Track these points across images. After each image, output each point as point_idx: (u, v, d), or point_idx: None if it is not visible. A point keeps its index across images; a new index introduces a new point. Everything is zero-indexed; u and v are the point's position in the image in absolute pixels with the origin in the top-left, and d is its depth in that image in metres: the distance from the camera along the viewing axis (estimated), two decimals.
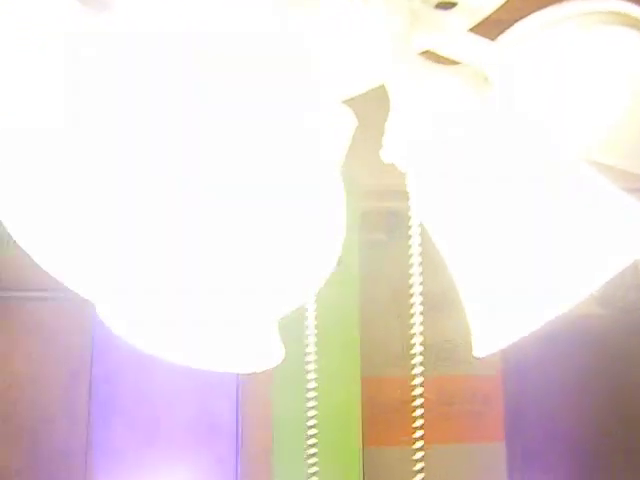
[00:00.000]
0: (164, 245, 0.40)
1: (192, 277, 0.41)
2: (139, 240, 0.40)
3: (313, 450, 0.68)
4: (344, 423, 2.15)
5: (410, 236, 0.61)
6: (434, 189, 0.55)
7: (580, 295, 0.50)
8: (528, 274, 0.52)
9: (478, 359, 0.61)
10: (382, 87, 0.60)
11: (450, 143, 0.53)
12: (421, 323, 0.64)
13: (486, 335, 0.55)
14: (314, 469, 0.68)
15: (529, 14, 0.70)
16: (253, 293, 0.43)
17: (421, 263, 0.63)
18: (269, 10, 0.43)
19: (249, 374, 0.53)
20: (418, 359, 0.67)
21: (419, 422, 0.66)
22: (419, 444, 0.66)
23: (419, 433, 0.66)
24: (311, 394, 0.68)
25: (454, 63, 0.65)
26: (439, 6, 0.67)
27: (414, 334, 0.64)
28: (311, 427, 0.68)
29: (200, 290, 0.42)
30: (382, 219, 2.23)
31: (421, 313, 0.64)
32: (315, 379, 0.68)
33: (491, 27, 0.72)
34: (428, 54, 0.63)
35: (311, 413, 0.68)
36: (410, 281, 0.64)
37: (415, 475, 0.66)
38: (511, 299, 0.53)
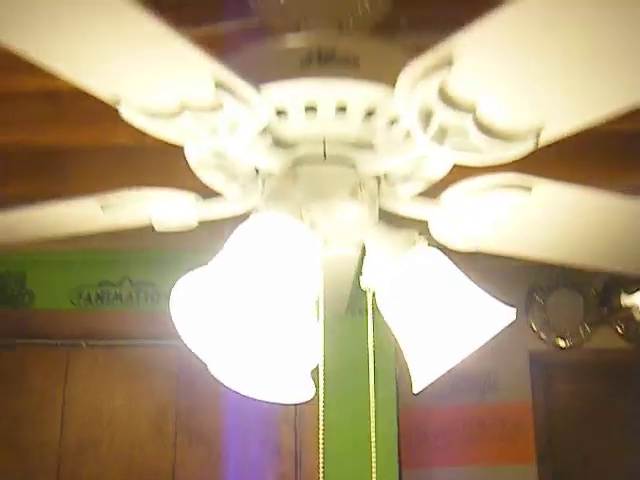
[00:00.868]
0: (245, 334, 0.83)
1: (259, 346, 0.84)
2: (237, 329, 0.83)
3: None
4: (384, 446, 2.52)
5: None
6: (388, 304, 0.98)
7: (467, 351, 0.92)
8: (437, 341, 0.94)
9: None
10: None
11: (399, 280, 0.97)
12: None
13: (418, 377, 0.97)
14: None
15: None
16: (284, 356, 0.85)
17: None
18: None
19: (306, 403, 0.88)
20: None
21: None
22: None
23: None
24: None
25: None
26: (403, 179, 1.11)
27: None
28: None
29: (261, 353, 0.84)
30: None
31: None
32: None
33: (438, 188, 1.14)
34: None
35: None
36: None
37: None
38: (430, 355, 0.95)
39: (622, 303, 2.56)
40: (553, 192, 1.09)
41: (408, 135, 0.93)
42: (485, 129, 0.84)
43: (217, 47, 1.42)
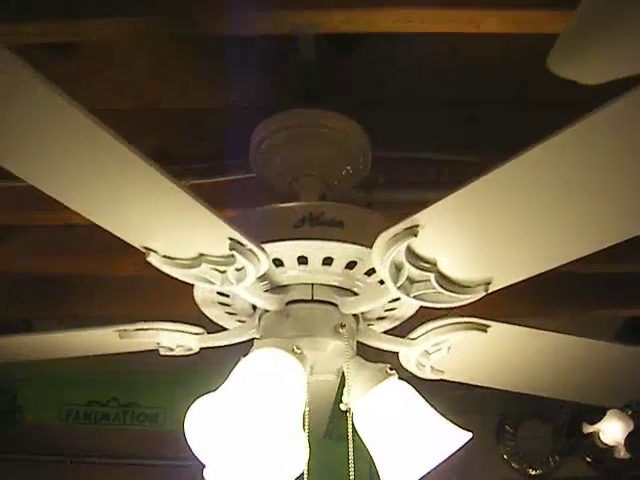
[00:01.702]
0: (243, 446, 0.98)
1: (255, 456, 0.99)
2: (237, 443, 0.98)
3: None
4: None
5: None
6: (363, 425, 1.15)
7: (429, 466, 1.07)
8: (403, 458, 1.10)
9: None
10: None
11: (372, 407, 1.14)
12: None
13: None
14: None
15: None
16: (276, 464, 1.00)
17: None
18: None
19: None
20: None
21: None
22: None
23: None
24: None
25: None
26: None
27: None
28: None
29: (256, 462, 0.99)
30: None
31: None
32: None
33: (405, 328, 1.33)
34: None
35: None
36: None
37: None
38: (397, 470, 1.10)
39: (584, 431, 2.70)
40: (505, 332, 1.29)
41: (382, 283, 1.13)
42: (444, 281, 1.03)
43: (220, 195, 1.64)
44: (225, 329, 1.30)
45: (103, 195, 0.93)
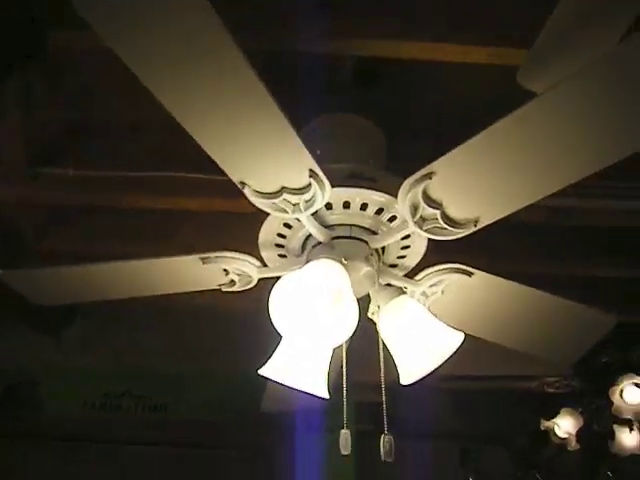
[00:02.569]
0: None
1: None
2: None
3: None
4: None
5: None
6: (384, 329, 1.58)
7: (436, 363, 1.50)
8: (416, 354, 1.53)
9: None
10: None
11: (390, 315, 1.58)
12: None
13: (404, 377, 1.53)
14: None
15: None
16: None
17: None
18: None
19: None
20: None
21: None
22: None
23: None
24: None
25: None
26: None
27: None
28: None
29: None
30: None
31: None
32: None
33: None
34: None
35: None
36: None
37: None
38: (411, 363, 1.53)
39: (542, 427, 3.12)
40: (486, 280, 1.75)
41: (399, 227, 1.58)
42: (446, 219, 1.49)
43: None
44: None
45: (223, 125, 1.33)
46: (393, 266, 1.76)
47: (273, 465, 3.22)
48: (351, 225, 1.62)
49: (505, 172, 1.39)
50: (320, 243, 1.62)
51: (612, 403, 2.83)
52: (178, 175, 2.23)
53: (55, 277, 1.77)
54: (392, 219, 1.61)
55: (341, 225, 1.62)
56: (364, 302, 1.65)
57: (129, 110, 2.23)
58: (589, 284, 2.73)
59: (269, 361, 1.65)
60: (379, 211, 1.60)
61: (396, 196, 1.49)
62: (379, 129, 1.90)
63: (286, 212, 1.50)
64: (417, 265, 1.76)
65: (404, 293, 1.65)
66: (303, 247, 1.68)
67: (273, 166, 1.42)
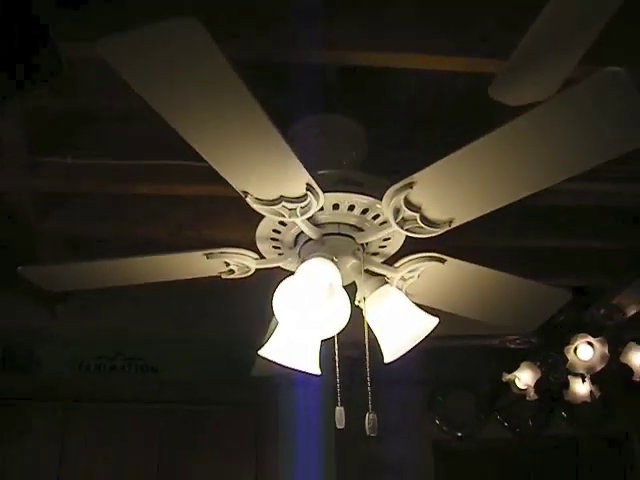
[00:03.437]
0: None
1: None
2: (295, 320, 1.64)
3: None
4: None
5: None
6: (370, 314, 1.80)
7: (413, 342, 1.74)
8: (397, 335, 1.76)
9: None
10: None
11: (374, 302, 1.80)
12: None
13: (387, 355, 1.76)
14: None
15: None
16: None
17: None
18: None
19: None
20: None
21: None
22: None
23: None
24: None
25: None
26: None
27: None
28: None
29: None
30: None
31: None
32: None
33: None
34: None
35: None
36: None
37: None
38: (393, 343, 1.76)
39: (503, 379, 3.42)
40: (456, 265, 1.97)
41: (381, 224, 1.79)
42: (424, 220, 1.70)
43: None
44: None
45: (226, 146, 1.50)
46: (375, 254, 1.97)
47: (260, 422, 3.49)
48: (339, 223, 1.82)
49: (477, 183, 1.60)
50: (312, 239, 1.82)
51: (567, 360, 3.13)
52: (171, 163, 2.39)
53: (70, 271, 1.95)
54: (376, 217, 1.81)
55: (331, 224, 1.82)
56: (351, 289, 1.87)
57: (124, 100, 2.36)
58: (554, 255, 3.01)
59: (267, 343, 1.87)
60: (364, 211, 1.80)
61: (379, 198, 1.69)
62: (361, 127, 2.09)
63: (283, 216, 1.69)
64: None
65: (387, 283, 1.87)
66: (296, 241, 1.88)
67: (273, 179, 1.61)
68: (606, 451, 4.92)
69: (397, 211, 1.68)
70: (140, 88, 1.32)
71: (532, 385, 3.30)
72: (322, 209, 1.76)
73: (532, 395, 3.31)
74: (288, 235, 1.87)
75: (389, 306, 1.82)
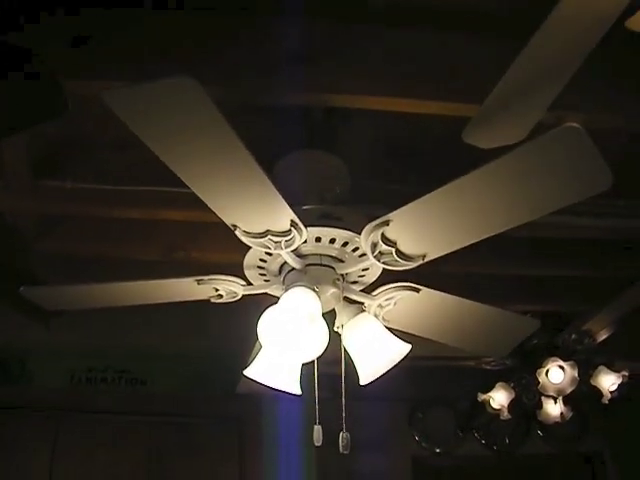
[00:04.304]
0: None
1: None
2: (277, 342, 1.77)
3: None
4: None
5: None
6: (348, 340, 1.94)
7: (387, 366, 1.88)
8: (372, 360, 1.90)
9: None
10: None
11: (352, 329, 1.93)
12: None
13: (362, 378, 1.90)
14: None
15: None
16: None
17: None
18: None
19: None
20: None
21: None
22: None
23: None
24: None
25: None
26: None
27: None
28: None
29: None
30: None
31: None
32: None
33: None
34: None
35: None
36: None
37: None
38: (368, 367, 1.90)
39: (478, 399, 3.56)
40: (430, 294, 2.11)
41: (360, 256, 1.93)
42: (399, 254, 1.83)
43: None
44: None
45: (218, 185, 1.64)
46: (354, 282, 2.11)
47: (244, 434, 3.61)
48: (321, 255, 1.96)
49: (448, 222, 1.74)
50: (295, 269, 1.96)
51: (539, 382, 3.28)
52: (163, 189, 2.53)
53: (67, 292, 2.08)
54: (355, 249, 1.95)
55: (313, 255, 1.95)
56: (330, 316, 2.01)
57: (120, 129, 2.50)
58: (531, 281, 3.18)
59: (251, 364, 2.00)
60: (345, 244, 1.94)
61: (359, 232, 1.83)
62: (343, 162, 2.23)
63: (269, 248, 1.83)
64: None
65: (364, 311, 2.00)
66: (280, 270, 2.02)
67: (259, 216, 1.74)
68: (582, 467, 5.07)
69: (374, 245, 1.82)
70: (140, 133, 1.46)
71: (506, 405, 3.44)
72: (305, 242, 1.90)
73: (505, 415, 3.45)
74: (274, 264, 2.00)
75: (365, 332, 1.95)
